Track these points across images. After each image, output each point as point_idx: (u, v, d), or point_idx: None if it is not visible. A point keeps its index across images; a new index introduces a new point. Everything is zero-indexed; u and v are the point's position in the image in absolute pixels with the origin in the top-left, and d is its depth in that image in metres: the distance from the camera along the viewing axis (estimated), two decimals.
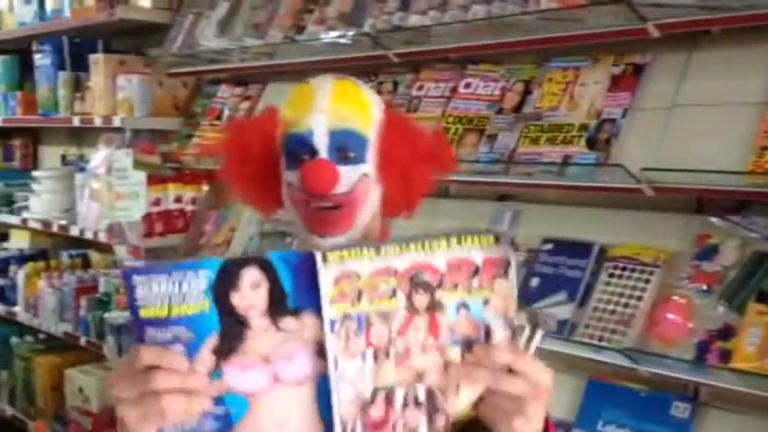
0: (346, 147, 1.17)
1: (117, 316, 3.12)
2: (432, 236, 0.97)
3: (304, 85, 1.25)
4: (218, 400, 0.94)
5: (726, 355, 1.64)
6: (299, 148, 1.18)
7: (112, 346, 3.08)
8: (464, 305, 0.97)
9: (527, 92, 2.10)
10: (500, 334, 0.97)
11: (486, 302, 0.97)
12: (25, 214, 3.76)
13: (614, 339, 1.80)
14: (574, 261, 1.96)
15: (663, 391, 1.84)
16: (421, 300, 0.96)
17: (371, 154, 1.20)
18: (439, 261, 0.96)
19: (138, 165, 3.07)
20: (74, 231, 3.42)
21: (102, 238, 3.19)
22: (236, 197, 1.31)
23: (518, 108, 2.10)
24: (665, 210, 1.88)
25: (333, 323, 0.93)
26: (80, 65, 3.42)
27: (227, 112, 2.98)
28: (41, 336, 3.83)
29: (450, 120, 2.22)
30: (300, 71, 2.73)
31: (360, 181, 1.18)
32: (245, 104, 2.94)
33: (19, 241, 4.15)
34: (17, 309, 3.83)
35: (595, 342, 1.82)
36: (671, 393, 1.83)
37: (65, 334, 3.50)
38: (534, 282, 2.00)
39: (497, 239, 0.98)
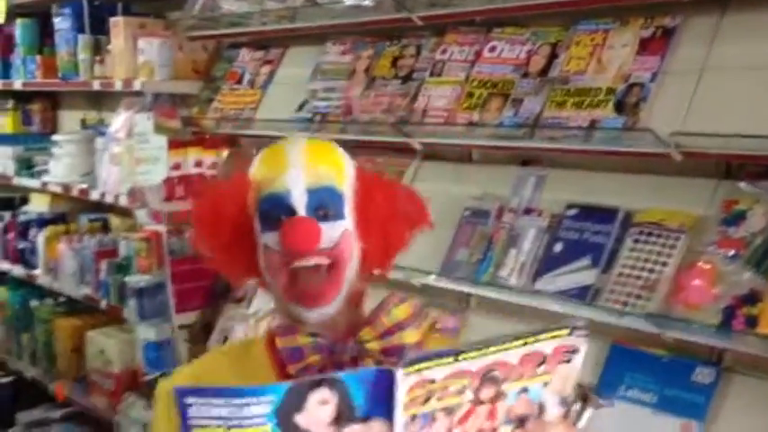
0: (325, 204, 1.17)
1: (138, 280, 3.14)
2: (510, 336, 0.96)
3: (275, 146, 1.23)
4: None
5: (752, 321, 1.64)
6: (276, 209, 1.16)
7: (133, 309, 3.10)
8: (524, 389, 0.98)
9: (553, 55, 2.08)
10: (553, 410, 0.99)
11: (545, 384, 0.99)
12: (45, 178, 3.78)
13: (638, 305, 1.80)
14: (598, 226, 1.95)
15: (686, 357, 1.84)
16: (487, 392, 0.96)
17: (349, 209, 1.19)
18: (513, 357, 0.96)
19: (158, 129, 3.07)
20: (94, 195, 3.43)
21: (123, 202, 3.20)
22: (208, 265, 1.28)
23: (544, 72, 2.08)
24: (691, 175, 1.86)
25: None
26: (100, 28, 3.41)
27: (247, 77, 2.97)
28: (61, 299, 3.87)
29: (475, 84, 2.20)
30: (321, 35, 2.72)
31: (342, 237, 1.17)
32: (266, 68, 2.93)
33: (39, 205, 4.17)
34: (37, 272, 3.86)
35: (619, 307, 1.82)
36: (694, 359, 1.83)
37: (85, 297, 3.53)
38: (558, 247, 2.00)
39: (571, 331, 0.98)
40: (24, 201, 4.30)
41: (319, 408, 0.91)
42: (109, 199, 3.33)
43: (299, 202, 1.16)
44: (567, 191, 2.07)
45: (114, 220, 3.85)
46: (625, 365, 1.92)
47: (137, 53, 3.16)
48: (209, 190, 1.31)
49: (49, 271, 3.77)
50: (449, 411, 0.94)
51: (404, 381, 0.90)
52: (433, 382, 0.92)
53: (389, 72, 2.46)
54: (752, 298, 1.66)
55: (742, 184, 1.77)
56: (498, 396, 0.96)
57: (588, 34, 2.02)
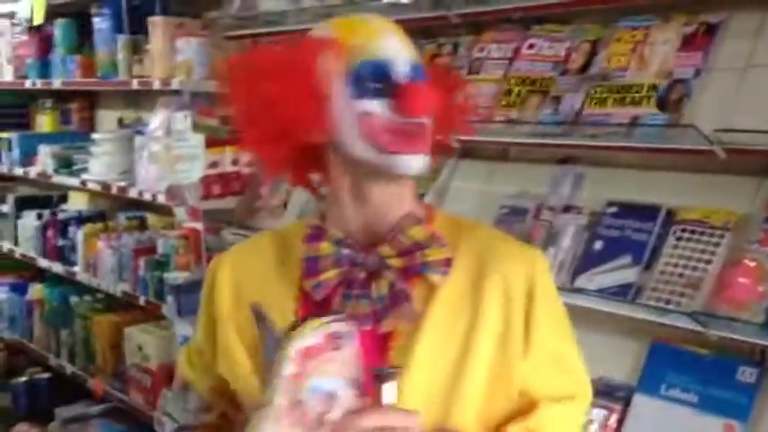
0: (418, 76, 1.15)
1: (176, 276, 3.18)
2: (286, 342, 1.01)
3: (352, 18, 1.19)
4: None
5: None
6: (379, 77, 1.13)
7: (172, 305, 3.14)
8: (312, 389, 1.01)
9: (593, 52, 2.07)
10: (342, 394, 1.02)
11: (323, 375, 1.02)
12: (84, 176, 3.83)
13: (682, 303, 1.78)
14: (639, 224, 1.94)
15: (728, 356, 1.82)
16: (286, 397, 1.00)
17: None
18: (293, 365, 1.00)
19: (196, 127, 3.10)
20: (132, 193, 3.47)
21: (161, 199, 3.23)
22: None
23: (584, 69, 2.07)
24: (735, 172, 1.85)
25: None
26: (138, 28, 3.45)
27: None
28: (100, 295, 3.92)
29: (513, 82, 2.20)
30: None
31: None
32: None
33: (77, 203, 4.23)
34: (76, 269, 3.92)
35: (662, 305, 1.81)
36: (737, 358, 1.81)
37: (123, 293, 3.57)
38: (597, 245, 1.99)
39: (335, 319, 1.03)
40: (63, 199, 4.36)
41: None
42: (147, 197, 3.37)
43: (406, 72, 1.13)
44: (607, 189, 2.06)
45: (152, 218, 3.89)
46: (666, 364, 1.91)
47: (175, 52, 3.19)
48: (268, 58, 1.17)
49: (88, 268, 3.82)
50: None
51: None
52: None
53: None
54: None
55: None
56: (298, 403, 1.01)
57: (629, 31, 2.01)
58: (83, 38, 3.94)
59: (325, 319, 1.03)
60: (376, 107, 1.13)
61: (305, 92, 1.13)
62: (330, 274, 1.17)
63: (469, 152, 2.41)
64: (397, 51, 1.14)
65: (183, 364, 1.39)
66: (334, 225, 1.21)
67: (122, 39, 3.53)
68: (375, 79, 1.13)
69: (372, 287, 1.16)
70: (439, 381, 1.15)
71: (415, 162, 1.14)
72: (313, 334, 1.01)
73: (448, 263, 1.17)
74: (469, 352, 1.16)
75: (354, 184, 1.18)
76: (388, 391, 1.03)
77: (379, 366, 1.08)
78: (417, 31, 2.51)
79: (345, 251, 1.17)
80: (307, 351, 1.00)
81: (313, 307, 1.17)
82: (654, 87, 1.89)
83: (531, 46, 2.21)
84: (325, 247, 1.18)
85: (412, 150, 1.14)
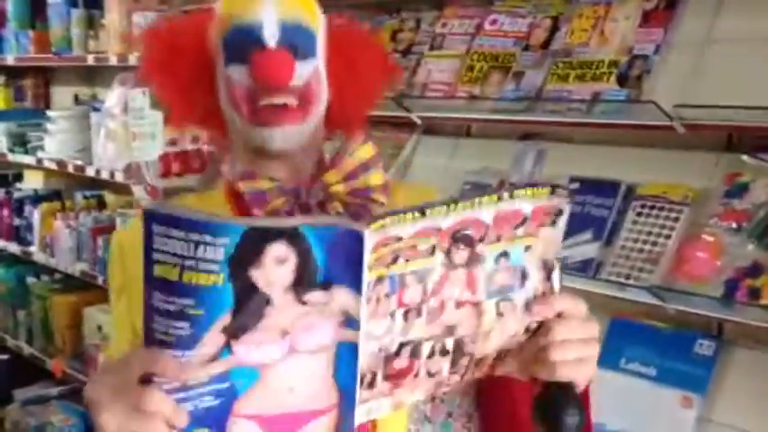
0: (297, 39, 1.09)
1: None
2: (482, 193, 0.88)
3: None
4: (223, 376, 0.83)
5: (755, 293, 1.64)
6: (246, 40, 1.08)
7: None
8: (504, 254, 0.91)
9: (555, 28, 2.06)
10: (535, 277, 0.93)
11: (527, 249, 0.92)
12: (40, 154, 3.75)
13: (641, 278, 1.80)
14: (600, 200, 1.95)
15: (686, 329, 1.84)
16: (461, 255, 0.88)
17: (320, 48, 1.12)
18: (486, 215, 0.87)
19: (155, 104, 3.04)
20: (90, 171, 3.41)
21: (119, 178, 3.18)
22: (167, 111, 1.19)
23: (546, 45, 2.06)
24: (694, 148, 1.86)
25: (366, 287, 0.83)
26: (93, 2, 3.37)
27: None
28: (58, 275, 3.86)
29: (476, 57, 2.19)
30: (320, 7, 2.69)
31: (313, 75, 1.11)
32: None
33: (33, 181, 4.14)
34: (33, 249, 3.84)
35: (622, 280, 1.83)
36: (695, 331, 1.83)
37: (82, 273, 3.51)
38: None
39: (553, 190, 0.91)
40: (18, 177, 4.27)
41: (277, 267, 0.80)
42: (104, 175, 3.31)
43: (272, 36, 1.08)
44: (569, 165, 2.06)
45: (110, 197, 3.83)
46: (626, 338, 1.93)
47: (131, 27, 3.13)
48: (164, 26, 1.19)
49: (45, 248, 3.75)
50: (420, 277, 0.86)
51: (369, 239, 0.80)
52: (399, 239, 0.83)
53: (388, 46, 2.43)
54: (755, 270, 1.66)
55: (744, 157, 1.77)
56: (474, 260, 0.88)
57: (590, 6, 2.01)
58: (36, 12, 3.83)
59: (542, 189, 0.91)
60: (237, 74, 1.09)
61: (195, 64, 1.13)
62: (279, 203, 1.11)
63: (432, 128, 2.41)
64: (268, 13, 1.08)
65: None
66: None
67: (77, 13, 3.45)
68: (239, 45, 1.09)
69: (329, 209, 1.12)
70: None
71: (279, 136, 1.09)
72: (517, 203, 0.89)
73: (386, 187, 1.15)
74: None
75: (250, 149, 1.14)
76: (556, 279, 0.95)
77: None
78: (380, 6, 2.50)
79: (283, 185, 1.12)
80: (504, 215, 0.88)
81: None
82: (614, 63, 1.90)
83: (493, 22, 2.21)
84: (263, 183, 1.11)
85: (271, 123, 1.08)
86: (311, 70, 1.10)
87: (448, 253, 0.87)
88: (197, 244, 0.78)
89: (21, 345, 3.94)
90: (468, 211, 0.86)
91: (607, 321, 1.97)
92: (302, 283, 0.82)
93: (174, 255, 0.78)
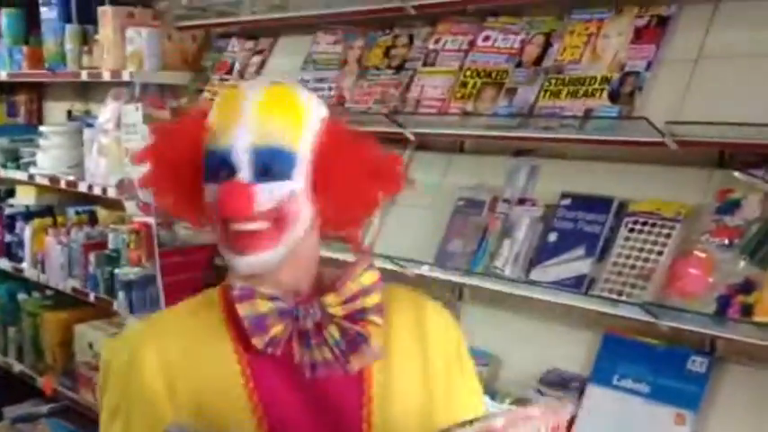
0: (270, 164, 1.10)
1: (127, 272, 3.11)
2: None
3: (233, 90, 1.18)
4: None
5: (747, 309, 1.64)
6: (218, 166, 1.11)
7: (123, 301, 3.08)
8: None
9: (548, 44, 2.07)
10: None
11: None
12: (32, 170, 3.74)
13: (634, 294, 1.80)
14: (593, 216, 1.95)
15: (679, 346, 1.84)
16: None
17: (303, 169, 1.13)
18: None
19: (147, 120, 3.04)
20: (82, 187, 3.40)
21: (112, 193, 3.17)
22: (162, 208, 1.25)
23: (538, 61, 2.07)
24: (686, 164, 1.86)
25: None
26: (88, 18, 3.38)
27: (237, 67, 2.95)
28: (49, 292, 3.83)
29: (468, 73, 2.19)
30: (312, 24, 2.70)
31: (288, 198, 1.11)
32: (257, 58, 2.91)
33: (25, 197, 4.12)
34: (24, 265, 3.82)
35: (614, 296, 1.82)
36: (687, 348, 1.83)
37: (73, 290, 3.49)
38: (552, 237, 1.99)
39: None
40: (10, 193, 4.25)
41: None
42: (97, 191, 3.30)
43: (241, 162, 1.10)
44: (561, 181, 2.06)
45: (102, 213, 3.81)
46: (618, 355, 1.93)
47: (125, 43, 3.13)
48: (164, 130, 1.24)
49: (37, 264, 3.73)
50: None
51: None
52: None
53: (382, 62, 2.44)
54: (747, 286, 1.66)
55: (736, 173, 1.77)
56: None
57: (583, 23, 2.02)
58: (30, 28, 3.85)
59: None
60: (210, 195, 1.13)
61: (184, 171, 1.16)
62: (279, 329, 1.13)
63: (425, 144, 2.41)
64: (240, 139, 1.10)
65: None
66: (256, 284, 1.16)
67: (71, 29, 3.45)
68: (213, 167, 1.12)
69: (325, 335, 1.15)
70: (416, 405, 1.20)
71: (242, 263, 1.12)
72: None
73: (380, 308, 1.18)
74: (429, 375, 1.22)
75: None
76: None
77: None
78: (373, 22, 2.51)
79: (282, 305, 1.14)
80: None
81: (263, 361, 1.14)
82: (606, 80, 1.90)
83: (486, 38, 2.21)
84: (260, 303, 1.13)
85: (239, 251, 1.11)
86: (285, 192, 1.11)
87: None
88: None
89: (10, 362, 3.92)
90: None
91: (599, 338, 1.97)
92: None
93: None
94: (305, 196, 1.13)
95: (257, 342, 1.12)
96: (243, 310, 1.13)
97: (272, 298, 1.13)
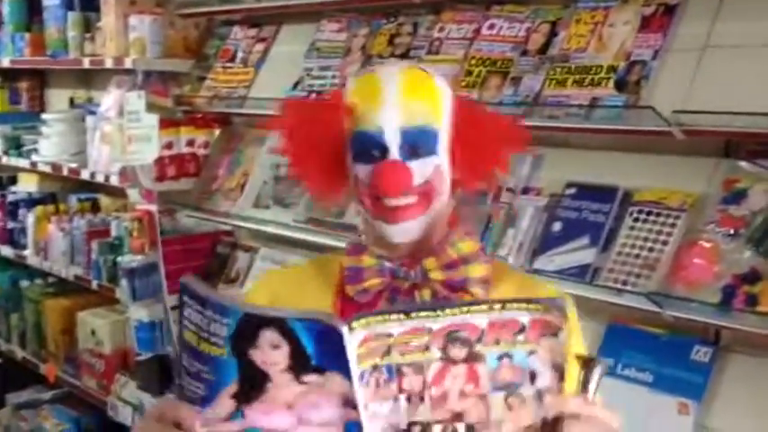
0: (418, 143, 1.18)
1: (130, 260, 3.12)
2: (472, 302, 0.97)
3: (370, 75, 1.24)
4: None
5: (752, 299, 1.64)
6: (369, 147, 1.18)
7: (126, 288, 3.08)
8: (507, 355, 0.97)
9: (553, 33, 2.06)
10: (545, 376, 0.97)
11: (530, 353, 0.97)
12: (35, 157, 3.74)
13: (638, 283, 1.79)
14: (597, 205, 1.94)
15: (683, 335, 1.84)
16: (457, 352, 0.96)
17: (443, 144, 1.20)
18: (479, 321, 0.96)
19: (150, 107, 3.03)
20: (84, 175, 3.40)
21: (114, 181, 3.17)
22: (299, 182, 1.35)
23: (544, 50, 2.06)
24: (691, 153, 1.86)
25: (362, 374, 0.92)
26: (90, 5, 3.37)
27: (240, 55, 2.93)
28: (51, 279, 3.84)
29: (473, 62, 2.18)
30: (316, 12, 2.69)
31: (434, 173, 1.19)
32: (260, 46, 2.90)
33: (27, 184, 4.12)
34: (27, 252, 3.83)
35: (619, 286, 1.82)
36: (692, 337, 1.83)
37: (75, 277, 3.50)
38: (556, 226, 1.99)
39: (547, 309, 0.96)
40: (13, 180, 4.25)
41: (271, 350, 0.92)
42: (99, 178, 3.30)
43: (392, 143, 1.17)
44: (566, 170, 2.06)
45: (104, 200, 3.82)
46: (622, 344, 1.92)
47: (127, 30, 3.12)
48: (299, 111, 1.31)
49: (39, 251, 3.73)
50: (417, 369, 0.95)
51: (353, 335, 0.91)
52: (389, 336, 0.94)
53: (386, 50, 2.43)
54: (752, 276, 1.65)
55: (742, 163, 1.77)
56: (474, 357, 0.96)
57: (589, 12, 2.00)
58: (32, 15, 3.83)
59: (534, 305, 0.99)
60: (362, 173, 1.20)
61: (332, 147, 1.23)
62: (374, 282, 1.22)
63: None
64: (389, 122, 1.17)
65: None
66: (373, 243, 1.26)
67: (73, 16, 3.44)
68: (363, 147, 1.19)
69: (416, 295, 1.21)
70: None
71: (398, 232, 1.19)
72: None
73: (487, 280, 1.23)
74: None
75: (372, 227, 1.24)
76: (593, 385, 1.01)
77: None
78: (377, 10, 2.50)
79: (387, 264, 1.22)
80: (500, 323, 0.97)
81: (352, 308, 1.19)
82: (613, 69, 1.89)
83: (491, 26, 2.20)
84: (366, 259, 1.23)
85: (393, 221, 1.19)
86: (432, 169, 1.19)
87: (444, 349, 0.96)
88: (210, 320, 0.93)
89: (13, 349, 3.93)
90: (458, 317, 0.96)
91: (604, 327, 1.96)
92: (297, 367, 0.93)
93: (195, 325, 0.94)
94: (446, 168, 1.21)
95: (350, 290, 1.23)
96: (348, 261, 1.24)
97: (379, 256, 1.22)
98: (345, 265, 1.24)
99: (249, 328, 0.91)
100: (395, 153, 1.17)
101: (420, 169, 1.18)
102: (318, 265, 1.35)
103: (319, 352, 0.91)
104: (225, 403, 0.94)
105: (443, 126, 1.21)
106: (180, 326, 0.96)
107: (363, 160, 1.19)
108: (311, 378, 0.92)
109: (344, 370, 0.91)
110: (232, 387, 0.93)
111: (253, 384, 0.93)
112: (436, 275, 1.21)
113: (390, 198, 1.17)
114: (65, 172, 3.53)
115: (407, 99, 1.18)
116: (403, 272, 1.21)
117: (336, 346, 0.90)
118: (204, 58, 3.09)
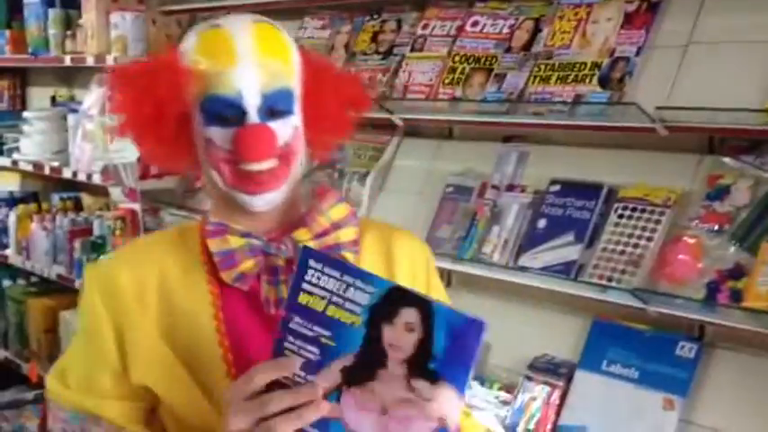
0: (278, 104, 1.11)
1: None
2: None
3: (216, 29, 1.12)
4: (324, 424, 0.93)
5: (737, 295, 1.64)
6: (225, 110, 1.09)
7: None
8: None
9: (537, 30, 2.06)
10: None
11: None
12: (16, 156, 3.71)
13: (623, 280, 1.80)
14: (582, 202, 1.94)
15: (668, 332, 1.84)
16: None
17: (297, 102, 1.14)
18: None
19: None
20: (66, 173, 3.37)
21: (97, 179, 3.15)
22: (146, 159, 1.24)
23: (527, 46, 2.06)
24: (675, 150, 1.86)
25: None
26: (71, 2, 3.34)
27: None
28: (34, 279, 3.81)
29: (457, 59, 2.18)
30: (299, 9, 2.67)
31: (293, 134, 1.13)
32: None
33: (9, 183, 4.09)
34: (9, 252, 3.80)
35: (604, 282, 1.82)
36: (676, 333, 1.83)
37: (58, 276, 3.47)
38: (541, 223, 1.99)
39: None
40: None
41: (404, 332, 0.92)
42: (82, 177, 3.28)
43: (252, 106, 1.09)
44: (551, 167, 2.06)
45: (87, 199, 3.79)
46: (607, 341, 1.93)
47: (109, 27, 3.09)
48: (133, 74, 1.16)
49: (21, 250, 3.70)
50: None
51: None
52: None
53: (369, 47, 2.42)
54: (736, 272, 1.66)
55: (726, 159, 1.77)
56: None
57: (572, 8, 2.00)
58: (12, 12, 3.79)
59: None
60: (218, 138, 1.10)
61: (170, 113, 1.12)
62: (249, 265, 1.14)
63: (414, 130, 2.39)
64: (248, 86, 1.08)
65: (72, 396, 1.20)
66: (230, 219, 1.17)
67: (54, 13, 3.41)
68: (219, 111, 1.10)
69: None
70: None
71: (258, 202, 1.12)
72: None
73: (356, 243, 1.20)
74: None
75: (227, 200, 1.16)
76: None
77: None
78: (361, 7, 2.49)
79: (255, 242, 1.15)
80: None
81: (233, 295, 1.15)
82: (596, 65, 1.89)
83: (474, 23, 2.20)
84: (232, 239, 1.15)
85: (252, 191, 1.11)
86: (291, 130, 1.13)
87: None
88: (348, 285, 0.93)
89: None
90: None
91: (589, 324, 1.97)
92: (416, 362, 0.92)
93: (324, 289, 0.94)
94: (301, 128, 1.15)
95: (226, 276, 1.14)
96: (214, 245, 1.15)
97: (244, 234, 1.15)
98: (213, 250, 1.14)
99: (393, 301, 0.92)
100: (254, 116, 1.09)
101: (280, 131, 1.10)
102: (176, 245, 1.21)
103: (446, 350, 0.91)
104: (332, 374, 0.93)
105: (295, 83, 1.13)
106: (293, 288, 0.94)
107: (218, 124, 1.09)
108: (420, 385, 0.92)
109: (459, 378, 0.91)
110: (348, 359, 0.93)
111: (367, 365, 0.92)
112: (309, 245, 1.11)
113: (248, 163, 1.09)
114: (47, 171, 3.50)
115: (264, 58, 1.09)
116: (273, 248, 1.15)
117: (465, 343, 0.90)
118: None
